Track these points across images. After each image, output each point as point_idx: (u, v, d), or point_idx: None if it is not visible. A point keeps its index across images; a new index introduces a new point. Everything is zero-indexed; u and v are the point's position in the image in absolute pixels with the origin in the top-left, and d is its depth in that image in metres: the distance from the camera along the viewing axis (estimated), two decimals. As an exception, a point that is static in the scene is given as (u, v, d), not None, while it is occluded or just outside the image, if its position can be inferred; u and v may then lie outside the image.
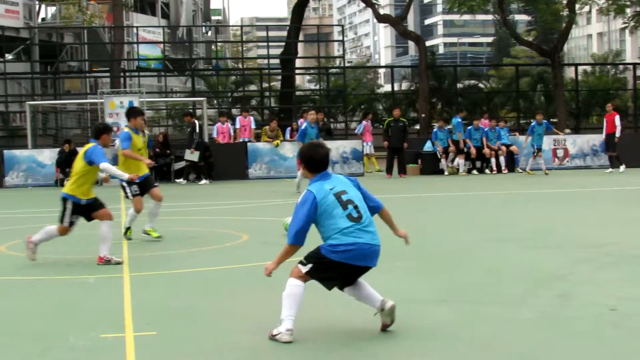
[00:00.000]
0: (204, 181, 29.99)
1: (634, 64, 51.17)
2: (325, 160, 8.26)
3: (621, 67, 58.79)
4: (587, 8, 47.12)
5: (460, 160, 31.67)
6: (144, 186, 14.64)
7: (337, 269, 8.02)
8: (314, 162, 8.22)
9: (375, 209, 8.42)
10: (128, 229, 14.87)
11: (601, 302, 9.14)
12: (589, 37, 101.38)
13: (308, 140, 23.13)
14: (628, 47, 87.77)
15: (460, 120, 32.68)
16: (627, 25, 44.59)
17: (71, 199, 12.44)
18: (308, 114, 24.46)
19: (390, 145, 30.57)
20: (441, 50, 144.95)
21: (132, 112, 15.24)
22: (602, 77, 52.66)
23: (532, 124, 31.47)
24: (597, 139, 33.05)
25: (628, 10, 43.15)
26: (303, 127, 24.29)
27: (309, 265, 8.03)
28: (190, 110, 39.21)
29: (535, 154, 30.51)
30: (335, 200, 8.03)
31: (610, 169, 30.73)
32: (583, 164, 33.43)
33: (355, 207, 8.07)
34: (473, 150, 31.69)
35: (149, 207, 14.76)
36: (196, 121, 31.22)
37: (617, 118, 30.98)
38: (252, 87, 50.67)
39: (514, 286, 10.12)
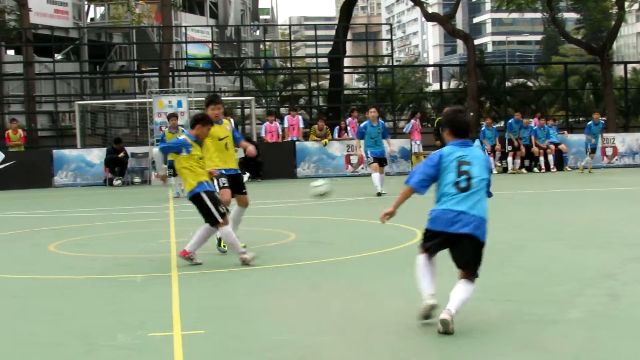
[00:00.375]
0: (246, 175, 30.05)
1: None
2: (465, 128, 8.40)
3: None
4: (636, 6, 46.60)
5: (512, 159, 31.55)
6: (232, 185, 13.29)
7: (430, 236, 8.27)
8: (455, 126, 8.34)
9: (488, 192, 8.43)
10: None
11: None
12: (639, 35, 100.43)
13: (368, 138, 23.08)
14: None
15: (514, 120, 32.56)
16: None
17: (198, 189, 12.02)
18: (370, 111, 24.06)
19: (438, 145, 30.52)
20: (490, 48, 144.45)
21: (210, 101, 13.61)
22: (651, 76, 52.23)
23: (589, 123, 31.38)
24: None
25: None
26: (362, 125, 23.89)
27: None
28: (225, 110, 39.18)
29: (589, 153, 30.42)
30: (455, 166, 8.19)
31: None
32: (632, 162, 33.14)
33: (469, 179, 8.17)
34: (523, 149, 31.58)
35: (232, 213, 13.34)
36: (231, 119, 31.28)
37: None
38: (301, 86, 50.70)
39: (562, 285, 10.04)
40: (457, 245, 8.17)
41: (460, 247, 8.17)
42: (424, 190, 8.37)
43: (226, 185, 13.07)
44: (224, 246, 12.90)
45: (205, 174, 12.13)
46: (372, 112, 23.54)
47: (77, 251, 13.98)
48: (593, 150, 30.59)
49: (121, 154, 31.15)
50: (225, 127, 13.54)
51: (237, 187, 13.39)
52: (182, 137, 12.25)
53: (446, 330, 7.80)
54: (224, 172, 13.14)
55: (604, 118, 39.57)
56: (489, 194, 8.45)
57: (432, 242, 8.25)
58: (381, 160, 23.22)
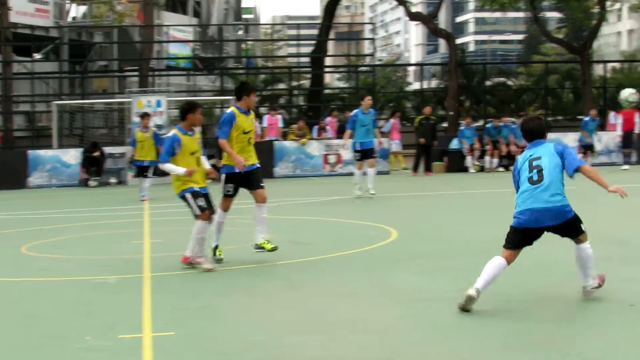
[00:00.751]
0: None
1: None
2: (534, 131, 9.44)
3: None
4: (618, 5, 46.77)
5: (490, 158, 31.60)
6: (247, 181, 12.52)
7: (516, 233, 9.25)
8: (526, 132, 9.48)
9: (570, 168, 9.28)
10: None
11: (620, 298, 9.16)
12: (620, 34, 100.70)
13: (359, 126, 22.26)
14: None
15: (492, 126, 32.51)
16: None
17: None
18: (365, 99, 23.08)
19: (422, 143, 30.53)
20: (472, 48, 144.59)
21: (245, 89, 12.53)
22: (631, 74, 52.24)
23: (586, 119, 31.50)
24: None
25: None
26: (354, 113, 22.44)
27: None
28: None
29: (585, 153, 30.53)
30: (527, 165, 9.29)
31: (626, 166, 30.77)
32: (609, 160, 33.18)
33: (540, 171, 9.18)
34: (502, 148, 31.64)
35: (254, 215, 12.66)
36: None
37: (636, 115, 31.04)
38: (282, 86, 50.62)
39: (539, 282, 10.13)
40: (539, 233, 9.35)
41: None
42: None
43: (230, 193, 12.39)
44: (219, 254, 12.30)
45: (194, 180, 11.80)
46: (368, 100, 22.34)
47: (51, 253, 13.94)
48: (589, 148, 30.76)
49: (96, 153, 30.86)
50: (251, 120, 12.47)
51: (254, 182, 12.55)
52: (172, 132, 12.00)
53: None
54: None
55: (582, 117, 39.72)
56: (573, 166, 9.31)
57: (521, 239, 9.35)
58: (368, 153, 22.06)
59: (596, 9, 41.43)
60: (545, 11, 55.50)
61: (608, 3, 42.01)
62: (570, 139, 32.69)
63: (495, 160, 31.63)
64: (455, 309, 8.68)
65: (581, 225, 9.28)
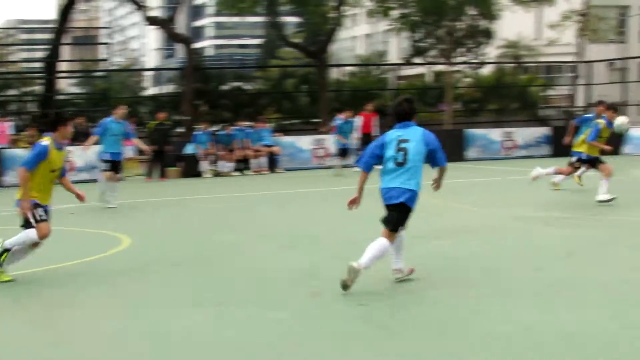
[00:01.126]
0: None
1: (397, 65, 52.57)
2: (402, 113, 10.21)
3: (385, 67, 60.19)
4: (355, 10, 47.88)
5: (226, 163, 31.54)
6: None
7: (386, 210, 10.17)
8: (396, 113, 10.26)
9: (436, 162, 10.22)
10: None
11: (350, 298, 9.27)
12: (356, 38, 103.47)
13: (109, 136, 21.31)
14: (392, 49, 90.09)
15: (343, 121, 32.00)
16: (392, 27, 45.51)
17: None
18: (119, 108, 22.16)
19: (155, 149, 30.09)
20: (212, 52, 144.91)
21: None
22: (366, 77, 53.60)
23: (339, 121, 31.52)
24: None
25: (394, 13, 44.01)
26: (104, 121, 21.53)
27: None
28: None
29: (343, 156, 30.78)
30: (395, 144, 10.01)
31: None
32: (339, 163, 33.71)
33: (405, 154, 9.93)
34: (238, 152, 31.65)
35: None
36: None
37: (374, 118, 31.79)
38: (12, 92, 48.94)
39: (272, 286, 10.14)
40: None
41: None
42: (367, 166, 10.30)
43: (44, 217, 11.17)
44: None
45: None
46: (122, 109, 21.81)
47: None
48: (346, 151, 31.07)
49: None
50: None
51: None
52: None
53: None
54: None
55: (318, 120, 40.43)
56: (438, 164, 10.28)
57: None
58: (117, 166, 21.37)
59: (333, 14, 42.25)
60: (283, 16, 56.20)
61: (345, 8, 42.93)
62: (305, 142, 33.24)
63: (231, 165, 31.63)
64: (177, 316, 8.55)
65: (406, 221, 10.11)
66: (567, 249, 12.41)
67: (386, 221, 10.08)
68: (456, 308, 9.05)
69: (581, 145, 19.53)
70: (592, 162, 19.36)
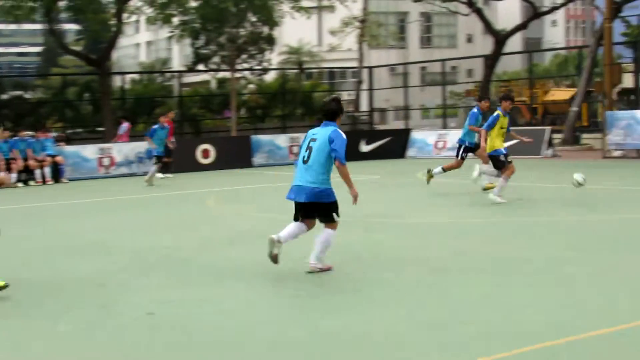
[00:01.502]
0: None
1: (180, 72, 52.35)
2: (327, 112, 10.92)
3: (168, 75, 59.94)
4: (135, 17, 47.39)
5: (5, 174, 30.60)
6: None
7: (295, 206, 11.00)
8: (322, 112, 11.03)
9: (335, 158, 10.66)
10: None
11: (140, 308, 9.22)
12: (138, 45, 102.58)
13: None
14: (176, 56, 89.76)
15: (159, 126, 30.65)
16: (173, 34, 45.24)
17: None
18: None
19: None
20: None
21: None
22: (150, 85, 53.20)
23: (155, 127, 30.54)
24: (143, 146, 32.96)
25: (174, 20, 43.79)
26: None
27: None
28: None
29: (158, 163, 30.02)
30: (307, 143, 10.82)
31: (164, 175, 30.96)
32: (128, 171, 33.39)
33: (310, 152, 10.64)
34: (20, 163, 30.78)
35: None
36: None
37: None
38: None
39: (56, 298, 9.95)
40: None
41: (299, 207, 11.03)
42: None
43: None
44: None
45: None
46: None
47: None
48: (163, 158, 30.35)
49: None
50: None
51: None
52: None
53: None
54: None
55: (101, 128, 39.86)
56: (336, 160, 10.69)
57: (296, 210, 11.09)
58: None
59: (113, 22, 41.73)
60: (63, 23, 55.15)
61: (125, 15, 42.47)
62: (91, 151, 32.67)
63: (14, 175, 30.75)
64: None
65: (334, 214, 10.77)
66: (353, 254, 12.60)
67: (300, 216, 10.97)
68: (238, 312, 9.06)
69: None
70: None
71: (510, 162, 18.63)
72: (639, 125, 31.70)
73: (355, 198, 10.77)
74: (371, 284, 10.24)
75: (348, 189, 10.70)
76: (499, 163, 18.55)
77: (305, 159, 10.71)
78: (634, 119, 30.98)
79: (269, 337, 8.02)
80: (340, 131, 10.76)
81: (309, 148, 10.71)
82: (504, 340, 7.67)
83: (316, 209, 10.72)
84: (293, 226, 10.87)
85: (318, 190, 10.61)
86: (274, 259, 10.73)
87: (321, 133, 10.74)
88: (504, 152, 18.64)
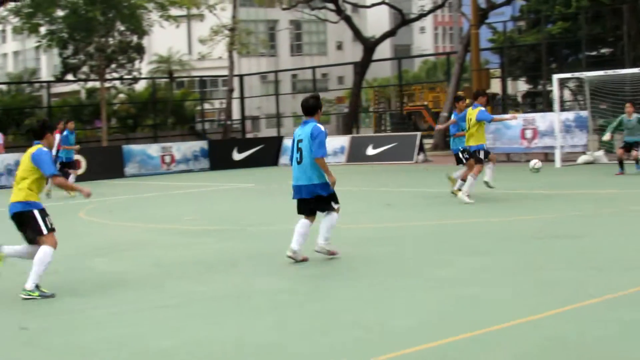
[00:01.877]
0: None
1: (49, 82, 51.53)
2: (306, 108, 11.78)
3: (37, 85, 58.98)
4: (1, 27, 46.54)
5: None
6: None
7: (297, 204, 12.03)
8: (302, 108, 11.83)
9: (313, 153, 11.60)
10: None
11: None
12: (5, 55, 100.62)
13: None
14: (44, 66, 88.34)
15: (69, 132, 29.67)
16: (41, 43, 44.47)
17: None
18: None
19: None
20: None
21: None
22: (18, 95, 52.33)
23: (65, 133, 29.92)
24: (10, 158, 32.32)
25: (41, 29, 43.09)
26: None
27: None
28: None
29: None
30: (295, 145, 11.74)
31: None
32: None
33: (301, 153, 11.60)
34: None
35: None
36: None
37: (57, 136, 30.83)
38: None
39: None
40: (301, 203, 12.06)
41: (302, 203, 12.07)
42: None
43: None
44: None
45: None
46: None
47: None
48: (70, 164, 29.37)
49: None
50: None
51: None
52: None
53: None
54: None
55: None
56: (315, 156, 11.57)
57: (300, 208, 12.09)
58: None
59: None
60: None
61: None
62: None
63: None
64: None
65: (332, 202, 11.79)
66: (230, 260, 12.62)
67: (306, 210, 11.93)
68: (104, 323, 8.99)
69: (469, 139, 19.39)
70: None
71: (488, 160, 19.18)
72: (507, 130, 32.41)
73: (332, 184, 11.71)
74: (248, 293, 10.22)
75: (326, 176, 11.68)
76: (477, 159, 18.79)
77: (298, 160, 11.71)
78: (502, 123, 31.49)
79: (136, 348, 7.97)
80: (319, 125, 11.70)
81: (299, 149, 11.66)
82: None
83: (317, 202, 11.76)
84: (299, 229, 11.73)
85: (316, 185, 11.66)
86: (305, 260, 11.83)
87: (305, 132, 11.63)
88: (484, 147, 18.85)
